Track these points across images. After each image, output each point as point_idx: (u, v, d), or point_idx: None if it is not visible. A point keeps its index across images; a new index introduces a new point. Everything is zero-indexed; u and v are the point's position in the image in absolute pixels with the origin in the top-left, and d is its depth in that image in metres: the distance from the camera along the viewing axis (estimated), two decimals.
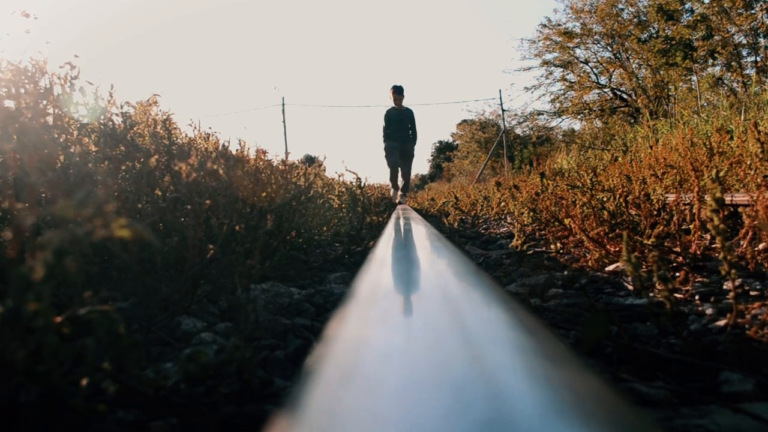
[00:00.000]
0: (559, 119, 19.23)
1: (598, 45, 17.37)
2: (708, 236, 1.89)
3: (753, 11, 12.87)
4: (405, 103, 9.59)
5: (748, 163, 2.12)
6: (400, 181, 9.51)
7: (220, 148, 2.20)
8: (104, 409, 0.57)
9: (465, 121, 29.33)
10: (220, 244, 1.20)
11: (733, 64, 13.40)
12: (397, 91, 9.44)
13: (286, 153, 2.28)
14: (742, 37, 13.27)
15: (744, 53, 13.49)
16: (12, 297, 0.51)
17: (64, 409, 0.54)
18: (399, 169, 9.30)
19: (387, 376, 0.40)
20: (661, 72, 14.72)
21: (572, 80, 18.25)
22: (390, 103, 9.69)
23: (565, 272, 1.77)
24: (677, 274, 1.55)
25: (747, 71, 13.02)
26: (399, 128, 9.21)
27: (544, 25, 18.07)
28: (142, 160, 1.33)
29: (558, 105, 18.69)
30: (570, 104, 18.29)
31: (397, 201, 8.56)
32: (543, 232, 2.73)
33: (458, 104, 43.86)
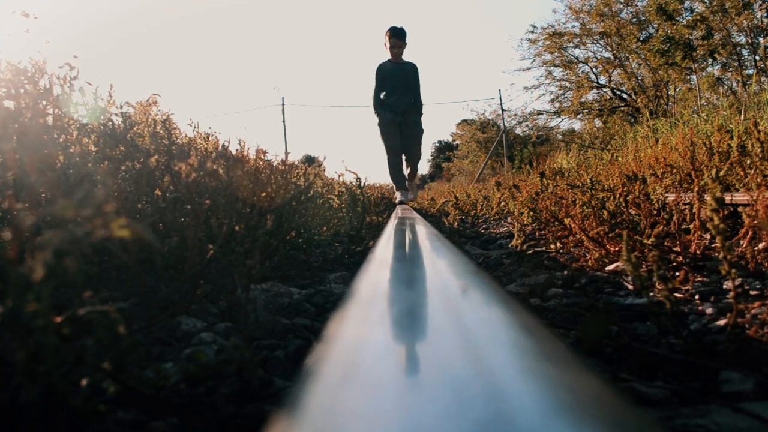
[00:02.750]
0: (559, 119, 19.25)
1: (597, 45, 17.38)
2: (708, 236, 1.89)
3: (752, 10, 12.88)
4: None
5: (748, 162, 2.12)
6: (408, 170, 6.64)
7: (220, 148, 2.20)
8: (104, 409, 0.57)
9: (465, 120, 29.37)
10: (219, 244, 1.20)
11: (732, 63, 13.41)
12: (396, 34, 6.25)
13: (286, 153, 2.28)
14: (742, 37, 13.28)
15: (744, 53, 13.50)
16: (12, 297, 0.51)
17: (64, 409, 0.54)
18: (402, 153, 6.49)
19: (387, 376, 0.40)
20: (660, 72, 14.73)
21: (570, 81, 18.27)
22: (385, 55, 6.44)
23: (565, 272, 1.77)
24: (677, 273, 1.55)
25: (747, 71, 13.03)
26: (398, 91, 6.32)
27: (531, 32, 18.10)
28: (141, 160, 1.33)
29: (558, 105, 18.72)
30: (570, 104, 18.30)
31: (397, 200, 6.30)
32: (543, 231, 2.73)
33: (458, 104, 43.83)
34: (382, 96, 6.47)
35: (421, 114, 6.72)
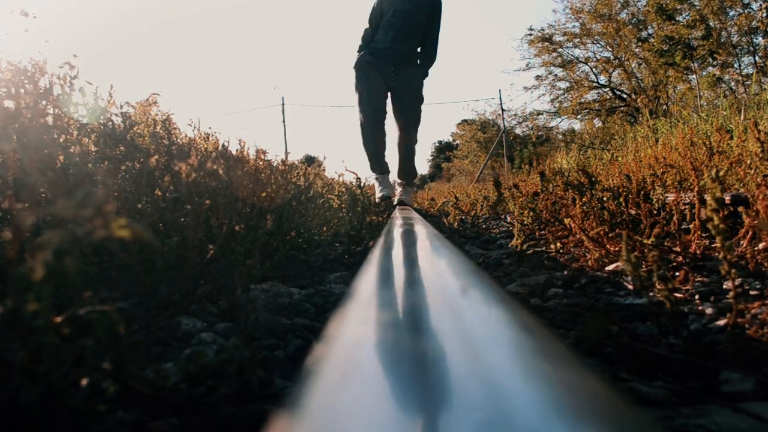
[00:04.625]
0: (559, 119, 19.29)
1: (597, 45, 17.41)
2: (708, 236, 1.89)
3: (752, 10, 12.89)
4: None
5: (748, 162, 2.12)
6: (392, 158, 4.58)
7: (220, 148, 2.20)
8: (104, 409, 0.57)
9: (465, 120, 29.39)
10: (219, 244, 1.20)
11: (731, 63, 13.42)
12: None
13: (286, 153, 2.28)
14: (741, 37, 13.28)
15: (742, 52, 13.51)
16: (12, 297, 0.51)
17: (64, 410, 0.54)
18: (383, 114, 4.44)
19: (387, 376, 0.40)
20: (660, 72, 14.74)
21: (570, 81, 18.31)
22: None
23: (565, 272, 1.77)
24: (677, 273, 1.55)
25: (747, 71, 13.03)
26: (399, 30, 4.35)
27: (529, 35, 18.21)
28: (141, 160, 1.33)
29: (557, 105, 18.76)
30: (570, 104, 18.33)
31: (377, 195, 4.50)
32: (543, 231, 2.73)
33: (458, 104, 43.80)
34: (374, 37, 4.53)
35: (426, 72, 4.54)
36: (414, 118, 4.50)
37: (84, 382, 0.57)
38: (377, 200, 4.43)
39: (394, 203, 4.52)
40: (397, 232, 1.75)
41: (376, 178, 4.64)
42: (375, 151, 4.57)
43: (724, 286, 1.38)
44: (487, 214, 4.73)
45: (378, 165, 4.64)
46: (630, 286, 1.50)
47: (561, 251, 2.19)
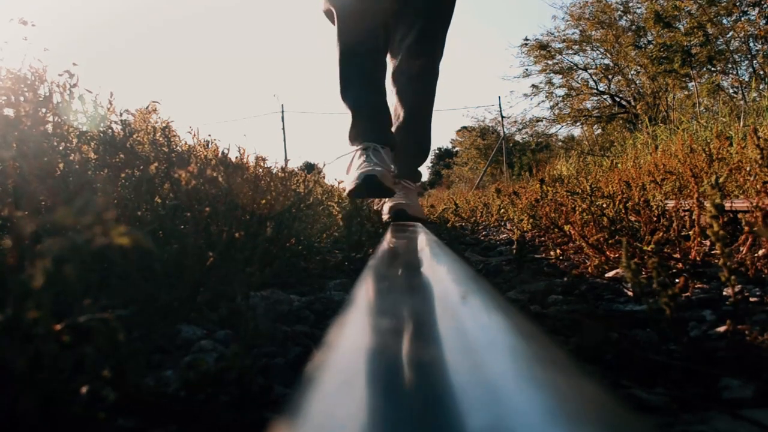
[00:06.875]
0: (558, 126, 19.34)
1: (597, 52, 17.49)
2: (708, 242, 1.89)
3: (751, 17, 12.95)
4: None
5: (748, 169, 2.13)
6: (396, 112, 2.90)
7: (220, 155, 2.20)
8: (104, 416, 0.57)
9: (465, 127, 29.43)
10: (219, 251, 1.20)
11: (729, 71, 13.47)
12: None
13: (286, 160, 2.28)
14: (741, 44, 13.33)
15: (741, 59, 13.55)
16: (11, 305, 0.51)
17: (63, 417, 0.54)
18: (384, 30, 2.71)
19: (386, 382, 0.40)
20: (659, 79, 14.78)
21: (564, 90, 18.39)
22: None
23: (565, 279, 1.77)
24: (677, 280, 1.55)
25: (745, 77, 13.07)
26: None
27: (524, 44, 18.33)
28: (141, 167, 1.33)
29: (557, 112, 18.82)
30: (569, 111, 18.39)
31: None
32: (543, 238, 2.73)
33: (457, 111, 43.71)
34: None
35: None
36: (432, 46, 2.74)
37: (84, 389, 0.57)
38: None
39: (384, 218, 2.79)
40: (397, 239, 1.75)
41: (357, 149, 2.57)
42: (364, 102, 2.63)
43: (724, 293, 1.38)
44: (488, 221, 4.74)
45: (370, 124, 2.58)
46: (630, 293, 1.49)
47: (560, 258, 2.19)
